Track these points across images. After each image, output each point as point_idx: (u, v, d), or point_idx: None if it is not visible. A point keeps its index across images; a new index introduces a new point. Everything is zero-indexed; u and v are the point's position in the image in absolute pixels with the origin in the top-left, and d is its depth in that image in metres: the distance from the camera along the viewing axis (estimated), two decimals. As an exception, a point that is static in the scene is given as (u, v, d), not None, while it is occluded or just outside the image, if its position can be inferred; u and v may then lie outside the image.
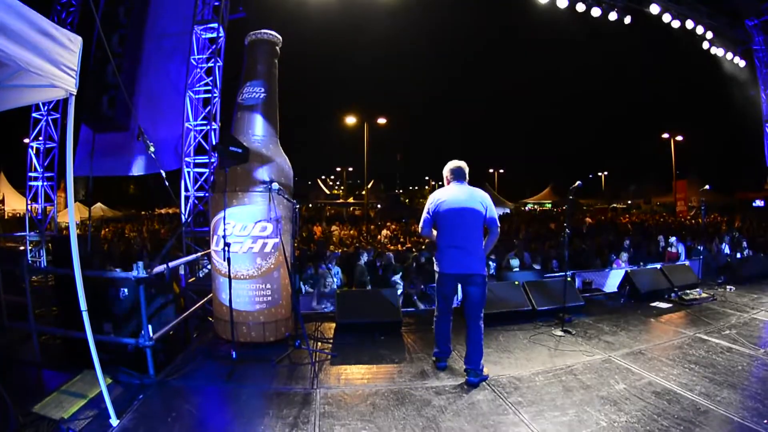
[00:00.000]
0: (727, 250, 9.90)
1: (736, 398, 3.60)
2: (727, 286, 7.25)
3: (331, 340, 5.27)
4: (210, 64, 6.79)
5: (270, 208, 4.79)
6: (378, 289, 6.92)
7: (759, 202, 24.14)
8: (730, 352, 4.59)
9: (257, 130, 5.00)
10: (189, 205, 6.71)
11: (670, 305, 6.45)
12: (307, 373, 4.29)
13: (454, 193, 4.29)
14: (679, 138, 29.79)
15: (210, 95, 6.80)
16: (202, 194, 6.75)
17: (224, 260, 4.34)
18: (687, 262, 7.87)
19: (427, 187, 67.01)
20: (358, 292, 6.85)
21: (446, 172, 4.46)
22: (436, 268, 4.34)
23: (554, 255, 10.22)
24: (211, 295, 5.28)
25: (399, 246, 13.60)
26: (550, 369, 4.37)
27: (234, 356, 4.29)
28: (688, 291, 6.77)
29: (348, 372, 4.36)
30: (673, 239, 10.58)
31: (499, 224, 4.34)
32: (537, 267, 9.62)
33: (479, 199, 4.27)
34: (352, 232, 18.57)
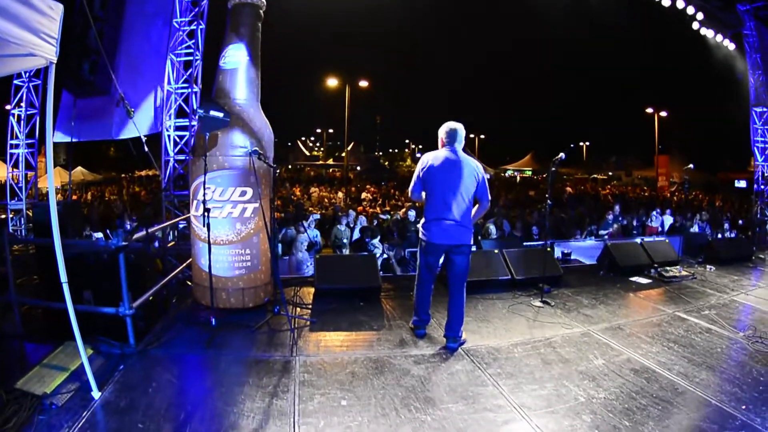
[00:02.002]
0: (707, 230, 10.01)
1: (714, 381, 3.58)
2: (707, 266, 7.30)
3: (310, 306, 5.24)
4: (192, 27, 6.62)
5: (250, 173, 4.66)
6: (357, 254, 6.90)
7: (741, 183, 24.38)
8: (709, 333, 4.59)
9: (238, 94, 4.85)
10: (169, 168, 6.59)
11: (649, 281, 6.48)
12: (286, 340, 4.26)
13: (446, 158, 4.14)
14: (664, 114, 29.80)
15: (192, 58, 6.66)
16: (183, 158, 6.62)
17: (204, 226, 4.24)
18: (666, 239, 7.89)
19: (406, 150, 66.60)
20: (337, 257, 6.81)
21: (441, 133, 4.26)
22: (422, 236, 4.25)
23: (534, 222, 10.21)
24: (190, 260, 5.19)
25: (378, 209, 13.54)
26: (529, 341, 4.38)
27: (213, 323, 4.24)
28: (668, 268, 6.81)
29: (327, 339, 4.34)
30: (654, 213, 10.63)
31: (490, 197, 4.27)
32: (517, 234, 9.61)
33: (472, 168, 4.15)
34: (338, 194, 18.38)
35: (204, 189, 4.38)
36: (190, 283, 5.46)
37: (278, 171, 4.69)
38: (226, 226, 4.71)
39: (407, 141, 66.77)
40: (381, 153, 63.76)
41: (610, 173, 44.01)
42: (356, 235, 9.01)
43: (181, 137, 6.68)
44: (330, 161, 48.01)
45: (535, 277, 6.09)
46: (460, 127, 4.22)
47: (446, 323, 4.23)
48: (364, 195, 18.09)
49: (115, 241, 3.66)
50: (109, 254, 3.97)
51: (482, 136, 55.75)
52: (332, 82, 22.47)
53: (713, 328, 4.74)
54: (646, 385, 3.50)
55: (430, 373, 3.71)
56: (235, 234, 4.73)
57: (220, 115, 4.30)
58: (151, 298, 4.32)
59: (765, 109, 9.54)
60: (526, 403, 3.28)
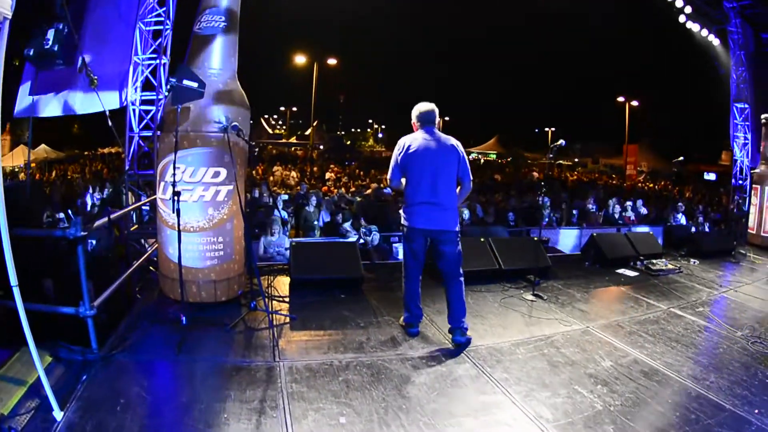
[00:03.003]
0: (683, 221, 10.05)
1: (723, 384, 3.44)
2: (691, 259, 7.26)
3: (287, 299, 4.79)
4: None
5: (225, 151, 4.13)
6: (337, 241, 6.48)
7: (710, 176, 25.08)
8: (708, 332, 4.49)
9: (214, 63, 4.29)
10: (133, 145, 6.01)
11: (636, 274, 6.35)
12: (266, 340, 3.80)
13: (424, 141, 3.86)
14: (635, 103, 30.24)
15: (162, 27, 6.08)
16: (148, 134, 6.05)
17: (173, 211, 3.68)
18: (650, 231, 7.83)
19: (369, 130, 65.94)
20: (314, 244, 6.33)
21: (414, 116, 4.00)
22: (403, 221, 3.95)
23: (510, 209, 9.96)
24: (156, 246, 4.63)
25: (344, 189, 13.06)
26: (529, 339, 4.11)
27: (184, 322, 3.70)
28: (654, 261, 6.70)
29: (311, 339, 3.90)
30: (628, 203, 10.59)
31: (471, 177, 3.99)
32: (489, 220, 9.36)
33: (452, 148, 3.89)
34: (291, 173, 17.63)
35: (174, 169, 3.82)
36: (153, 269, 4.94)
37: (257, 150, 4.16)
38: (196, 211, 4.16)
39: (370, 121, 65.95)
40: (343, 132, 62.68)
41: (576, 159, 44.51)
42: (326, 218, 8.58)
43: (147, 112, 6.14)
44: (293, 140, 46.99)
45: (523, 267, 5.85)
46: (433, 107, 3.99)
47: (449, 315, 3.92)
48: (328, 175, 17.54)
49: (72, 230, 3.10)
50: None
51: (447, 118, 55.68)
52: (298, 60, 21.79)
53: (710, 326, 4.64)
54: (659, 389, 3.31)
55: (432, 379, 3.33)
56: (207, 220, 4.20)
57: (195, 85, 3.74)
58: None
59: (746, 105, 9.60)
60: (542, 413, 2.97)
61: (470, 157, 44.86)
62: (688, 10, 8.81)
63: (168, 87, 3.90)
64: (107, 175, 14.38)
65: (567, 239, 9.09)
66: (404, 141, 3.91)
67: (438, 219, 3.83)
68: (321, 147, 37.81)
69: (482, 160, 43.10)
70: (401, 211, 4.01)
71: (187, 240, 4.00)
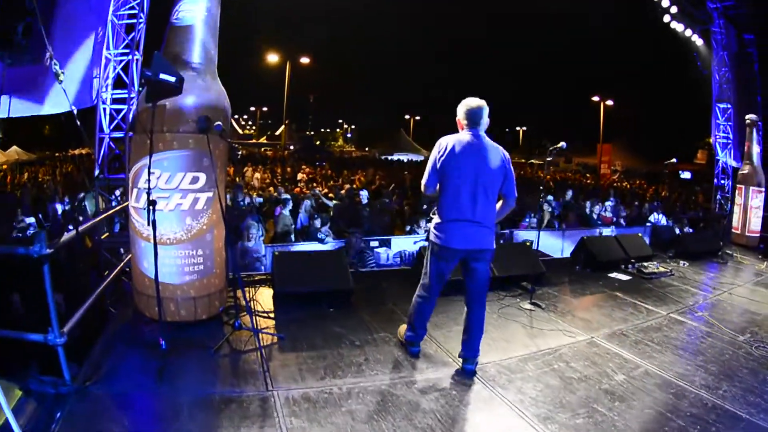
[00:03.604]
0: (663, 221, 10.06)
1: (736, 392, 3.36)
2: (680, 261, 7.20)
3: (272, 315, 4.39)
4: None
5: (204, 154, 3.72)
6: (324, 250, 6.13)
7: (686, 174, 25.58)
8: (711, 338, 4.39)
9: (193, 56, 3.85)
10: (103, 147, 5.54)
11: (629, 277, 6.21)
12: (256, 365, 3.41)
13: (469, 144, 3.36)
14: (610, 102, 30.58)
15: (135, 21, 5.65)
16: (120, 135, 5.60)
17: (149, 224, 3.26)
18: (639, 233, 7.75)
19: (338, 130, 65.54)
20: (298, 254, 5.95)
21: (461, 113, 3.45)
22: (434, 238, 3.48)
23: None
24: (129, 257, 4.20)
25: (322, 189, 12.65)
26: (536, 353, 3.89)
27: (163, 346, 3.28)
28: (645, 264, 6.61)
29: (304, 362, 3.52)
30: (608, 203, 10.53)
31: (516, 195, 3.56)
32: None
33: (501, 158, 3.42)
34: (255, 174, 17.03)
35: (148, 174, 3.39)
36: (125, 279, 4.51)
37: (240, 152, 3.77)
38: (173, 221, 3.74)
39: (340, 121, 65.49)
40: (313, 132, 62.02)
41: (549, 158, 44.73)
42: (303, 221, 8.19)
43: (118, 111, 5.69)
44: (263, 140, 46.15)
45: (516, 274, 5.62)
46: (483, 104, 3.45)
47: (465, 341, 3.54)
48: (300, 176, 17.06)
49: (37, 248, 2.67)
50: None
51: (417, 118, 55.67)
52: (268, 60, 21.32)
53: (712, 331, 4.55)
54: (676, 402, 3.21)
55: (444, 406, 3.04)
56: (185, 231, 3.78)
57: (172, 79, 3.32)
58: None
59: (728, 106, 9.68)
60: (569, 438, 2.72)
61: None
62: (674, 10, 8.81)
63: (142, 81, 3.45)
64: (77, 177, 13.70)
65: (549, 241, 8.92)
66: (446, 141, 3.39)
67: (476, 237, 3.40)
68: (291, 147, 37.26)
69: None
70: (431, 226, 3.56)
71: (163, 253, 3.55)
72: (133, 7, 5.58)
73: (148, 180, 3.32)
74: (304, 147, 38.19)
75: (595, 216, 9.76)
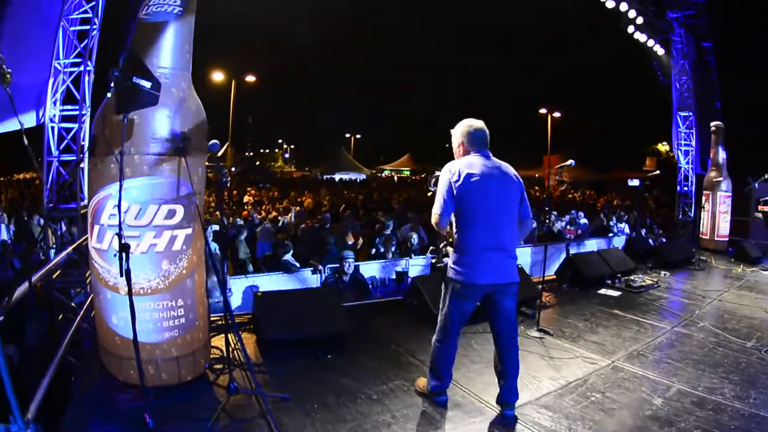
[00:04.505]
0: (626, 230, 10.20)
1: (765, 398, 3.43)
2: (661, 271, 7.26)
3: (264, 367, 3.74)
4: None
5: (181, 180, 3.09)
6: (314, 288, 5.53)
7: (634, 182, 26.50)
8: (722, 347, 4.40)
9: (165, 59, 3.15)
10: (52, 172, 4.71)
11: (619, 293, 6.12)
12: (267, 441, 2.77)
13: (485, 168, 3.04)
14: (557, 114, 31.42)
15: (89, 27, 4.94)
16: (70, 158, 4.77)
17: (122, 274, 2.53)
18: (619, 246, 7.77)
19: (278, 150, 64.29)
20: (282, 294, 5.21)
21: (460, 136, 3.19)
22: (455, 276, 3.05)
23: None
24: (87, 304, 3.46)
25: (264, 212, 11.95)
26: (567, 386, 3.57)
27: (150, 425, 2.56)
28: (632, 277, 6.57)
29: (323, 428, 2.90)
30: (570, 216, 10.55)
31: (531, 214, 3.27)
32: (441, 244, 8.64)
33: (515, 178, 3.13)
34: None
35: (118, 209, 2.67)
36: (87, 326, 3.81)
37: (228, 178, 3.18)
38: (147, 267, 3.03)
39: (280, 141, 64.19)
40: (252, 154, 60.32)
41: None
42: (265, 250, 7.45)
43: (68, 130, 4.92)
44: (206, 162, 44.34)
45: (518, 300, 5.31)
46: (483, 125, 3.21)
47: (503, 385, 3.13)
48: (246, 198, 16.19)
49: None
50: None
51: (358, 136, 55.58)
52: (209, 79, 20.47)
53: (719, 341, 4.58)
54: (717, 417, 3.18)
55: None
56: (162, 278, 3.08)
57: (148, 84, 2.67)
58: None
59: (690, 113, 9.98)
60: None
61: (383, 174, 44.70)
62: (640, 20, 8.98)
63: (111, 83, 2.69)
64: (22, 204, 12.23)
65: (522, 259, 8.68)
66: (457, 167, 3.05)
67: (505, 269, 3.03)
68: (233, 169, 35.94)
69: (396, 177, 43.04)
70: (450, 262, 3.12)
71: (137, 306, 2.78)
72: (86, 11, 4.88)
73: (120, 215, 2.63)
74: (245, 169, 36.85)
75: (559, 229, 9.68)
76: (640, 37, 9.47)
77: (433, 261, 6.50)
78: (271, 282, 5.78)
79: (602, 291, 6.17)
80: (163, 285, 3.09)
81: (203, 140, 3.33)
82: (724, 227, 9.24)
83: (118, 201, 2.62)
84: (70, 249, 3.87)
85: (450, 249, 3.20)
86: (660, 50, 9.84)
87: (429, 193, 3.69)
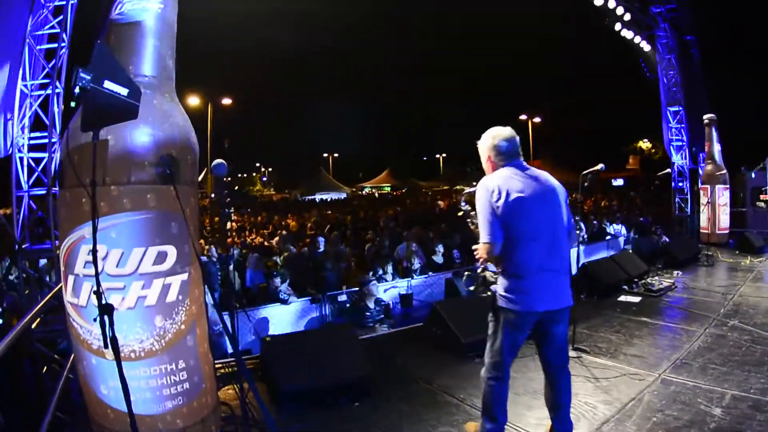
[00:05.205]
0: (623, 231, 10.04)
1: None
2: (673, 271, 7.10)
3: (279, 426, 3.15)
4: (61, 2, 4.48)
5: (172, 215, 2.55)
6: (327, 329, 5.03)
7: (618, 182, 26.77)
8: (759, 344, 4.30)
9: (145, 66, 2.65)
10: (23, 208, 4.27)
11: (639, 298, 5.87)
12: None
13: (528, 181, 2.66)
14: (537, 120, 31.05)
15: (56, 44, 4.50)
16: (41, 192, 4.35)
17: (106, 344, 1.98)
18: (629, 248, 7.59)
19: (255, 174, 63.48)
20: (293, 337, 4.64)
21: (487, 150, 2.81)
22: (505, 304, 2.64)
23: (456, 246, 8.71)
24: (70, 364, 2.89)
25: (248, 239, 11.42)
26: (624, 409, 3.27)
27: None
28: (648, 280, 6.37)
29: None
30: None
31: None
32: (439, 261, 8.19)
33: (557, 188, 2.77)
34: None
35: (93, 257, 2.12)
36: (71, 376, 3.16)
37: (230, 209, 2.67)
38: (137, 326, 2.48)
39: (258, 164, 63.36)
40: (230, 179, 59.25)
41: (474, 183, 44.84)
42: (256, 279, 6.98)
43: (38, 161, 4.52)
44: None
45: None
46: (514, 134, 2.84)
47: (556, 417, 2.78)
48: (229, 224, 15.53)
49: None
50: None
51: (336, 155, 55.29)
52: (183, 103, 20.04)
53: (754, 338, 4.48)
54: None
55: None
56: (156, 338, 2.53)
57: (124, 91, 2.09)
58: None
59: (679, 108, 9.94)
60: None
61: (363, 192, 44.31)
62: (627, 17, 8.93)
63: (75, 90, 2.05)
64: None
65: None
66: (495, 184, 2.65)
67: (563, 291, 2.67)
68: (213, 195, 35.16)
69: (377, 194, 42.54)
70: (499, 289, 2.71)
71: (130, 373, 2.25)
72: (53, 26, 4.43)
73: (97, 263, 2.10)
74: (226, 194, 36.13)
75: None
76: (627, 34, 9.48)
77: (471, 288, 6.00)
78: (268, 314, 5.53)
79: (622, 298, 5.93)
80: (158, 346, 2.53)
81: (195, 163, 2.82)
82: (724, 220, 9.22)
83: (92, 246, 2.08)
84: (48, 297, 3.25)
85: (489, 274, 2.83)
86: (646, 46, 9.88)
87: (460, 213, 3.28)
